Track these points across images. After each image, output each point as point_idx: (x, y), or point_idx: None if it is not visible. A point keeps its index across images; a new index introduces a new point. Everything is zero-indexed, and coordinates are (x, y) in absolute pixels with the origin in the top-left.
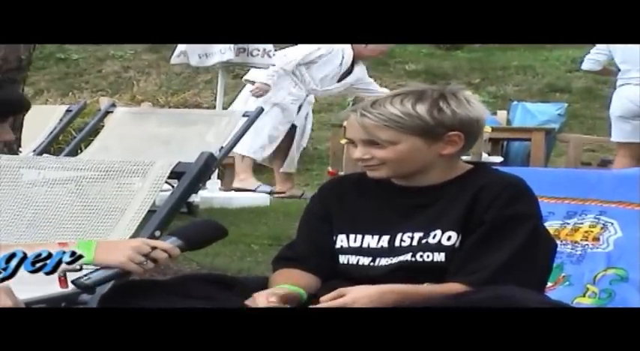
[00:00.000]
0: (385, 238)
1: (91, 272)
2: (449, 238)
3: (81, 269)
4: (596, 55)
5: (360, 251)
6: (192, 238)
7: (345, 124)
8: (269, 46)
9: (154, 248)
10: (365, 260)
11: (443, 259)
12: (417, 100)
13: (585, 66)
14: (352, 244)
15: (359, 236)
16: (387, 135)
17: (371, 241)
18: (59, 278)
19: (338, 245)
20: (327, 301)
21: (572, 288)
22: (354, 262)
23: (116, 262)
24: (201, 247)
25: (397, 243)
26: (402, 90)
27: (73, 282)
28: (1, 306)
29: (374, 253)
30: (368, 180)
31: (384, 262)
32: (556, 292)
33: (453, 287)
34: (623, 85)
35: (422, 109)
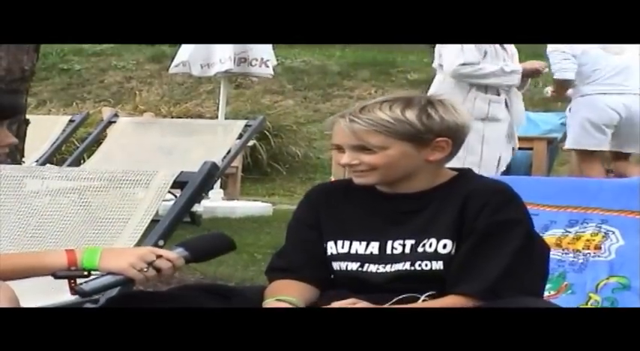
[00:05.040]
0: (374, 245)
1: (92, 278)
2: (444, 246)
3: (89, 275)
4: (569, 64)
5: (348, 257)
6: (199, 250)
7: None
8: (267, 56)
9: (159, 257)
10: (353, 266)
11: (441, 267)
12: (406, 106)
13: (567, 75)
14: (340, 251)
15: (347, 242)
16: (377, 140)
17: (359, 247)
18: (70, 285)
19: (329, 252)
20: None
21: (574, 296)
22: (344, 268)
23: (117, 268)
24: (207, 259)
25: (388, 250)
26: (390, 96)
27: (72, 287)
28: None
29: (362, 258)
30: (356, 186)
31: (373, 268)
32: (559, 300)
33: (453, 302)
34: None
35: (411, 114)
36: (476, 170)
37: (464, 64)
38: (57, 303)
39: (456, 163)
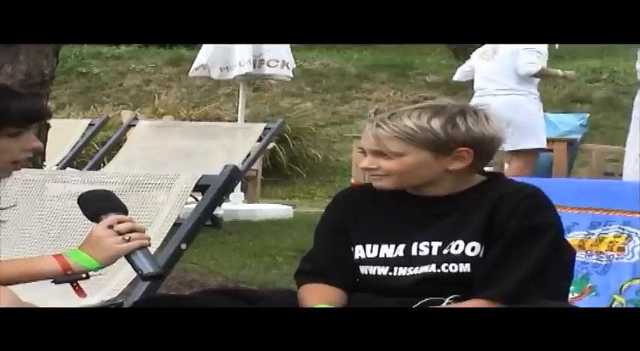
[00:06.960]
0: (401, 247)
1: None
2: (472, 249)
3: (87, 277)
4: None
5: (377, 261)
6: (114, 206)
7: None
8: (287, 58)
9: (110, 226)
10: (383, 270)
11: (468, 270)
12: (434, 114)
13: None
14: (369, 255)
15: (375, 246)
16: (395, 146)
17: (387, 250)
18: (74, 288)
19: (356, 256)
20: None
21: (598, 298)
22: (373, 273)
23: (114, 253)
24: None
25: (414, 252)
26: (423, 104)
27: (77, 291)
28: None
29: (391, 262)
30: (383, 190)
31: (402, 271)
32: (583, 302)
33: (477, 305)
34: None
35: (436, 123)
36: None
37: None
38: (80, 306)
39: None
